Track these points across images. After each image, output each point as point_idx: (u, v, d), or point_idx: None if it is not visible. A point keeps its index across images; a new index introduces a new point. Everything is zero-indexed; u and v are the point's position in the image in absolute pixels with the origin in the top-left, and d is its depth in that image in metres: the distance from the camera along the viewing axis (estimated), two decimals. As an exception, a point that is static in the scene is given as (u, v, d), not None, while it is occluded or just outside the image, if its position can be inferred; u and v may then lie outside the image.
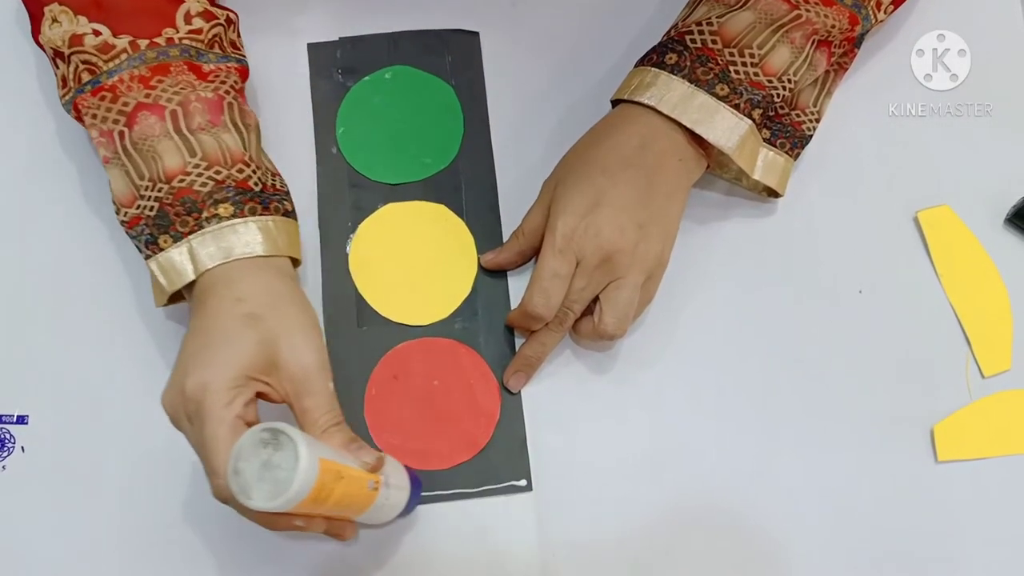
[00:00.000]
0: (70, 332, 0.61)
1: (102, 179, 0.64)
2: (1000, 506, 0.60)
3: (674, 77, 0.58)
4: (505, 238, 0.64)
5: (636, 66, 0.61)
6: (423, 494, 0.57)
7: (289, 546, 0.58)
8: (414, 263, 0.63)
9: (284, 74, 0.66)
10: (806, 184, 0.65)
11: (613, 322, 0.57)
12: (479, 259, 0.63)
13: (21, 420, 0.60)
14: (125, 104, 0.55)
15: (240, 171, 0.55)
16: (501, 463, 0.60)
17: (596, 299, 0.59)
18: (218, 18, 0.58)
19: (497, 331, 0.62)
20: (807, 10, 0.58)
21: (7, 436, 0.59)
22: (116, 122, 0.55)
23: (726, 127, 0.58)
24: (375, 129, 0.66)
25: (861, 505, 0.60)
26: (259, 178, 0.56)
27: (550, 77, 0.67)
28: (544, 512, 0.59)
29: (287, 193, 0.58)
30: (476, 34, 0.68)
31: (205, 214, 0.53)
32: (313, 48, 0.67)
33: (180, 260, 0.53)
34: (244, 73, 0.60)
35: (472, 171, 0.65)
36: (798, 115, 0.63)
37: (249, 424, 0.49)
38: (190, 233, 0.53)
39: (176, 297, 0.56)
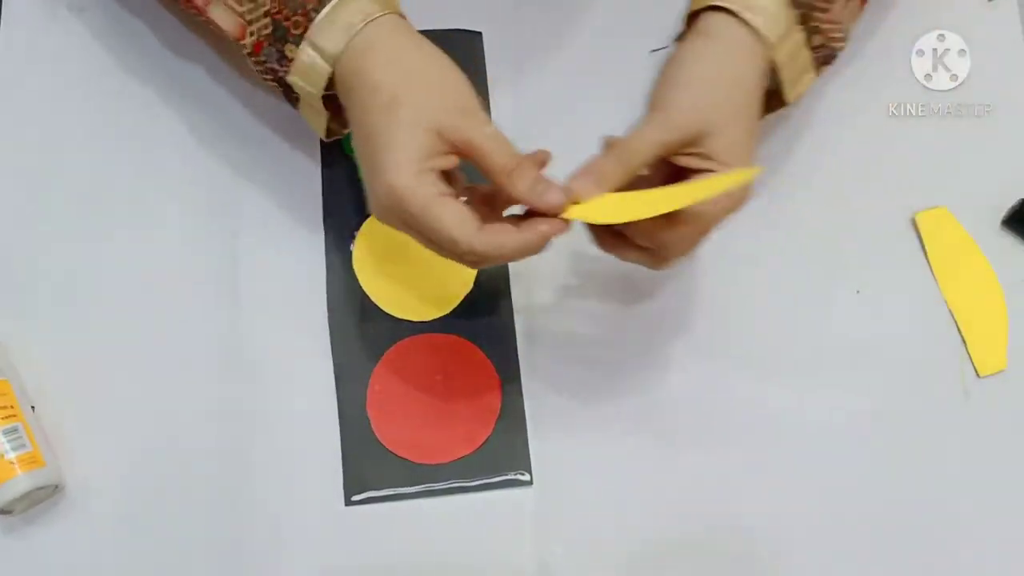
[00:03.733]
0: (81, 323, 0.63)
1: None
2: (998, 506, 0.61)
3: None
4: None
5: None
6: (424, 488, 0.59)
7: (288, 543, 0.59)
8: (417, 260, 0.64)
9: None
10: (804, 183, 0.65)
11: None
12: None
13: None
14: None
15: None
16: (502, 457, 0.61)
17: None
18: None
19: (498, 326, 0.63)
20: None
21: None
22: None
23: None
24: (379, 128, 0.66)
25: (858, 505, 0.60)
26: None
27: (552, 76, 0.67)
28: (544, 506, 0.60)
29: None
30: (479, 33, 0.68)
31: (310, 5, 0.52)
32: (318, 48, 0.68)
33: (309, 59, 0.53)
34: None
35: (474, 169, 0.65)
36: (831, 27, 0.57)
37: (456, 195, 0.51)
38: (304, 30, 0.52)
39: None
